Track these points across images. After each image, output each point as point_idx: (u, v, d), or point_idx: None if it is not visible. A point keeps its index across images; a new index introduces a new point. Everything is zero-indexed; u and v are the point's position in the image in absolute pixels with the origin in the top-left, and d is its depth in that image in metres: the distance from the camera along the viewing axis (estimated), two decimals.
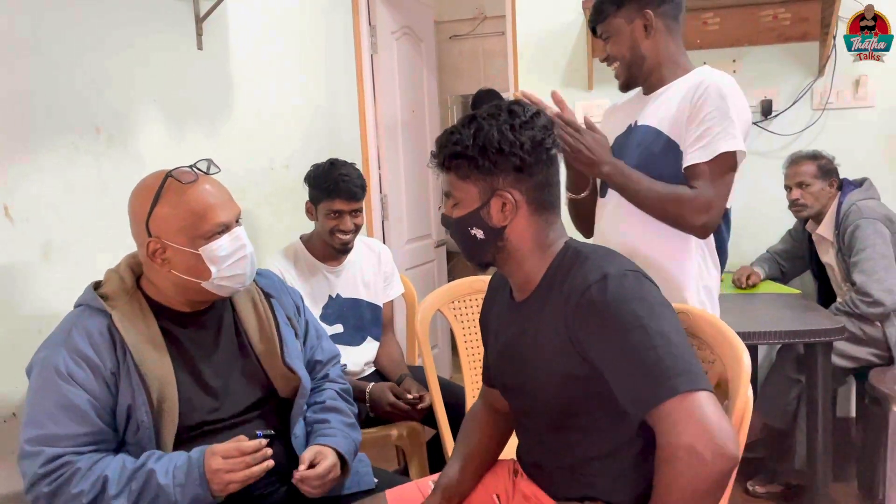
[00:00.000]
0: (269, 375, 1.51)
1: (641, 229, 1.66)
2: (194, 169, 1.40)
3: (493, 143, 1.19)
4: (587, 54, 3.23)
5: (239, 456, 1.30)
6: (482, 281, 2.30)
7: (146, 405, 1.32)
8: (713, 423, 1.02)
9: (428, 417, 2.17)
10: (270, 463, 1.33)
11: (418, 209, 3.77)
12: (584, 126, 1.61)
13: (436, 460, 2.28)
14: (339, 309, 2.31)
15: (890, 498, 2.30)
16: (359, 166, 3.31)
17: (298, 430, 1.54)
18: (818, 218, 2.71)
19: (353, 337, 2.34)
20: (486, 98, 4.01)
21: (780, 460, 2.64)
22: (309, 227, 2.36)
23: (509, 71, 3.34)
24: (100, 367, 1.31)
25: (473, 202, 1.23)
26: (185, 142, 2.07)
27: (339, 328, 2.31)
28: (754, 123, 3.11)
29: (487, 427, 1.47)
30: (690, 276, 1.67)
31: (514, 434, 1.46)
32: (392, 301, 2.51)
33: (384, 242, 3.44)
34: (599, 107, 3.01)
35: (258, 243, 2.47)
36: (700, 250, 1.68)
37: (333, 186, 2.19)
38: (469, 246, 1.28)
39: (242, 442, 1.32)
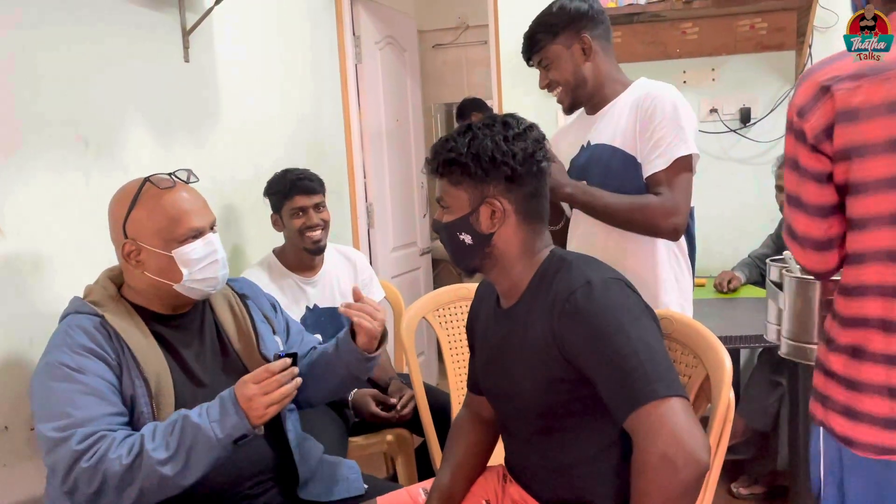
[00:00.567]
0: (251, 371, 1.53)
1: (614, 244, 1.73)
2: (173, 177, 1.45)
3: (486, 152, 1.22)
4: None
5: (270, 376, 1.31)
6: (467, 288, 2.32)
7: (146, 396, 1.34)
8: (685, 430, 1.05)
9: (415, 425, 2.19)
10: (299, 381, 1.35)
11: (404, 217, 3.80)
12: None
13: (424, 467, 2.29)
14: (316, 319, 2.32)
15: None
16: (344, 175, 3.36)
17: (290, 424, 1.56)
18: None
19: None
20: (471, 107, 4.06)
21: (763, 462, 2.68)
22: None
23: (492, 80, 3.37)
24: (105, 357, 1.33)
25: (464, 208, 1.27)
26: (172, 153, 2.08)
27: (318, 339, 2.32)
28: (734, 131, 3.18)
29: (473, 435, 1.49)
30: (667, 282, 1.74)
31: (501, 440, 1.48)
32: None
33: (370, 250, 3.46)
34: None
35: (244, 252, 2.49)
36: (673, 255, 1.76)
37: (290, 185, 2.25)
38: (458, 251, 1.31)
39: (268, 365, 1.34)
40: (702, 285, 2.83)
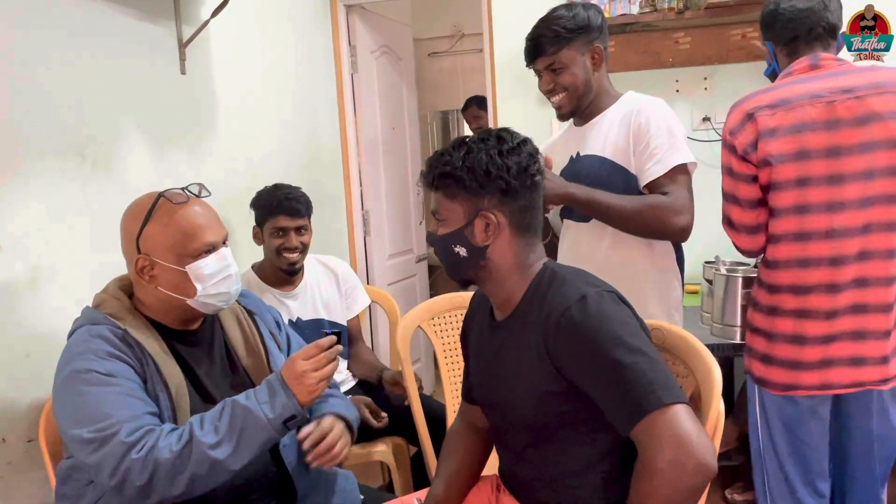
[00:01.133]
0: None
1: (603, 255, 1.75)
2: (186, 191, 1.45)
3: (481, 166, 1.24)
4: None
5: (319, 352, 1.33)
6: (462, 297, 2.33)
7: (169, 410, 1.34)
8: (693, 436, 1.06)
9: (411, 434, 2.20)
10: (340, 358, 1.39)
11: (400, 225, 3.81)
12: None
13: (420, 476, 2.30)
14: (300, 333, 2.30)
15: None
16: (340, 182, 3.38)
17: (288, 439, 1.56)
18: None
19: None
20: (473, 100, 4.32)
21: None
22: None
23: (487, 87, 3.39)
24: (131, 364, 1.33)
25: (458, 221, 1.29)
26: (169, 165, 2.10)
27: None
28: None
29: (467, 445, 1.51)
30: (653, 291, 1.77)
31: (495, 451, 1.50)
32: (357, 316, 2.53)
33: (366, 258, 3.48)
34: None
35: (239, 263, 2.48)
36: (662, 264, 1.77)
37: (276, 204, 2.22)
38: (452, 263, 1.33)
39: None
40: (695, 292, 2.85)
